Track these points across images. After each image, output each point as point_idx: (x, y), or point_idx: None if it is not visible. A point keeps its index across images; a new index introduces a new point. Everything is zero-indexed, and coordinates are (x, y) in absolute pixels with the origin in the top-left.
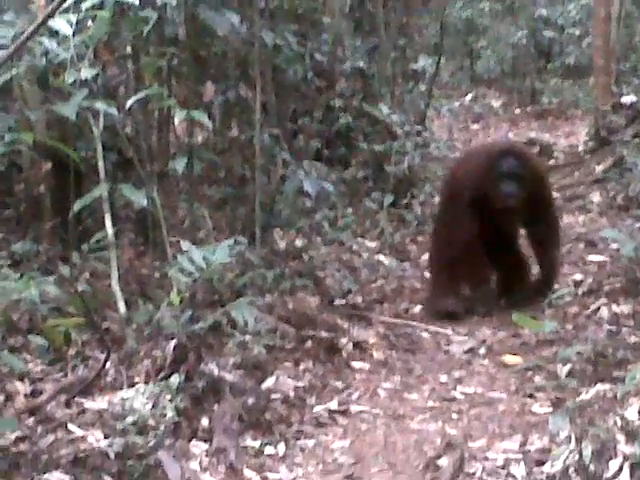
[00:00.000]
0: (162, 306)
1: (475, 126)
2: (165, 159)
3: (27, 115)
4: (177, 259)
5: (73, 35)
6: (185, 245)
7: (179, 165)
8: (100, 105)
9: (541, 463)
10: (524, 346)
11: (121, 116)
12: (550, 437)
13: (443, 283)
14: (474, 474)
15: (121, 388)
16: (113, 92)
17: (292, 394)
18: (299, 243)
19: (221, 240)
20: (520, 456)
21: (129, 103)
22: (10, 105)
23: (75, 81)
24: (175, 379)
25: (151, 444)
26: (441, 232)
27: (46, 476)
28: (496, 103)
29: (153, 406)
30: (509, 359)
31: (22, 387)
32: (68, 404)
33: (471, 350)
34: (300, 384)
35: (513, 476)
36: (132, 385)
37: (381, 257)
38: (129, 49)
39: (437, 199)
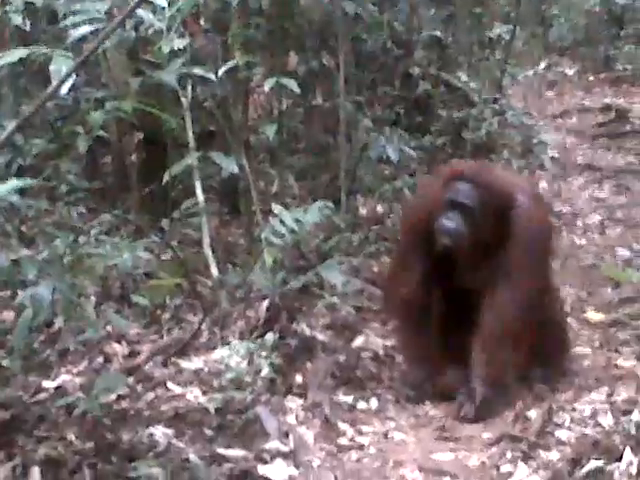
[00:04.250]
0: (255, 268)
1: (549, 93)
2: (248, 129)
3: (116, 86)
4: (269, 222)
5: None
6: (276, 208)
7: (270, 132)
8: (198, 71)
9: (628, 412)
10: (606, 304)
11: (210, 86)
12: (636, 388)
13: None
14: (562, 424)
15: (216, 348)
16: (202, 63)
17: (381, 352)
18: (380, 209)
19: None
20: (607, 406)
21: (220, 72)
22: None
23: (168, 52)
24: (270, 337)
25: (248, 400)
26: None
27: (150, 430)
28: (570, 71)
29: (248, 364)
30: (592, 316)
31: (120, 349)
32: (165, 364)
33: None
34: (388, 343)
35: (600, 425)
36: (227, 345)
37: None
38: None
39: (515, 165)
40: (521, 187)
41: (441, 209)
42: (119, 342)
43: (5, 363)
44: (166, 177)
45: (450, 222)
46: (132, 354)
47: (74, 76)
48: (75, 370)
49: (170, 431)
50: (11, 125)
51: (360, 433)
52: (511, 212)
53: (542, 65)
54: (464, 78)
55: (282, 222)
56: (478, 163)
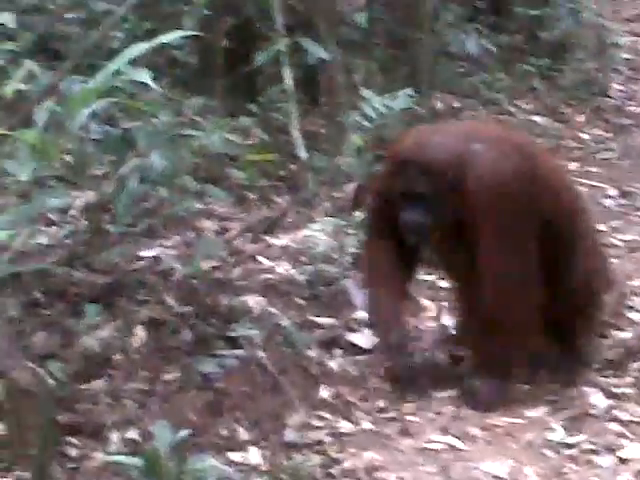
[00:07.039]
0: (343, 149)
1: None
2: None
3: None
4: (357, 107)
5: None
6: (366, 93)
7: (361, 19)
8: None
9: None
10: None
11: None
12: None
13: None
14: (633, 307)
15: (303, 227)
16: None
17: None
18: (456, 104)
19: None
20: None
21: None
22: None
23: None
24: (357, 215)
25: (336, 273)
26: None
27: (243, 298)
28: None
29: (336, 240)
30: None
31: (210, 225)
32: (254, 241)
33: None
34: None
35: None
36: (314, 223)
37: (536, 118)
38: None
39: (589, 64)
40: (477, 143)
41: (399, 201)
42: (209, 219)
43: (110, 229)
44: (258, 61)
45: (410, 217)
46: (222, 230)
47: None
48: (168, 243)
49: (263, 299)
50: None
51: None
52: (466, 177)
53: None
54: None
55: (371, 106)
56: (425, 130)
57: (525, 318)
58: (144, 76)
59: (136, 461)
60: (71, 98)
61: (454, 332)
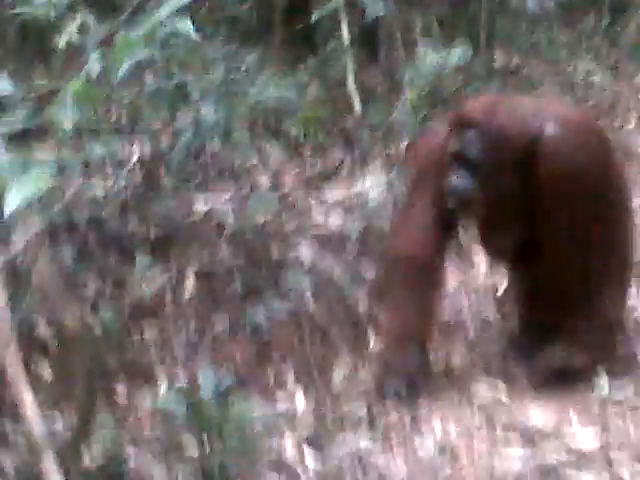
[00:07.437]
0: (398, 105)
1: None
2: None
3: None
4: (412, 63)
5: None
6: (423, 48)
7: None
8: None
9: None
10: None
11: None
12: None
13: (392, 324)
14: None
15: (357, 181)
16: None
17: None
18: (516, 60)
19: None
20: None
21: None
22: None
23: None
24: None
25: (388, 228)
26: (392, 230)
27: (294, 250)
28: None
29: (388, 195)
30: None
31: (265, 178)
32: (308, 194)
33: None
34: None
35: None
36: (367, 178)
37: (596, 76)
38: None
39: None
40: (552, 121)
41: (449, 163)
42: (264, 172)
43: (165, 181)
44: (315, 16)
45: (457, 181)
46: (276, 184)
47: None
48: (223, 196)
49: (314, 252)
50: None
51: None
52: (536, 157)
53: None
54: None
55: (427, 62)
56: (496, 96)
57: (583, 299)
58: (187, 26)
59: (182, 407)
60: (115, 48)
61: (504, 290)
